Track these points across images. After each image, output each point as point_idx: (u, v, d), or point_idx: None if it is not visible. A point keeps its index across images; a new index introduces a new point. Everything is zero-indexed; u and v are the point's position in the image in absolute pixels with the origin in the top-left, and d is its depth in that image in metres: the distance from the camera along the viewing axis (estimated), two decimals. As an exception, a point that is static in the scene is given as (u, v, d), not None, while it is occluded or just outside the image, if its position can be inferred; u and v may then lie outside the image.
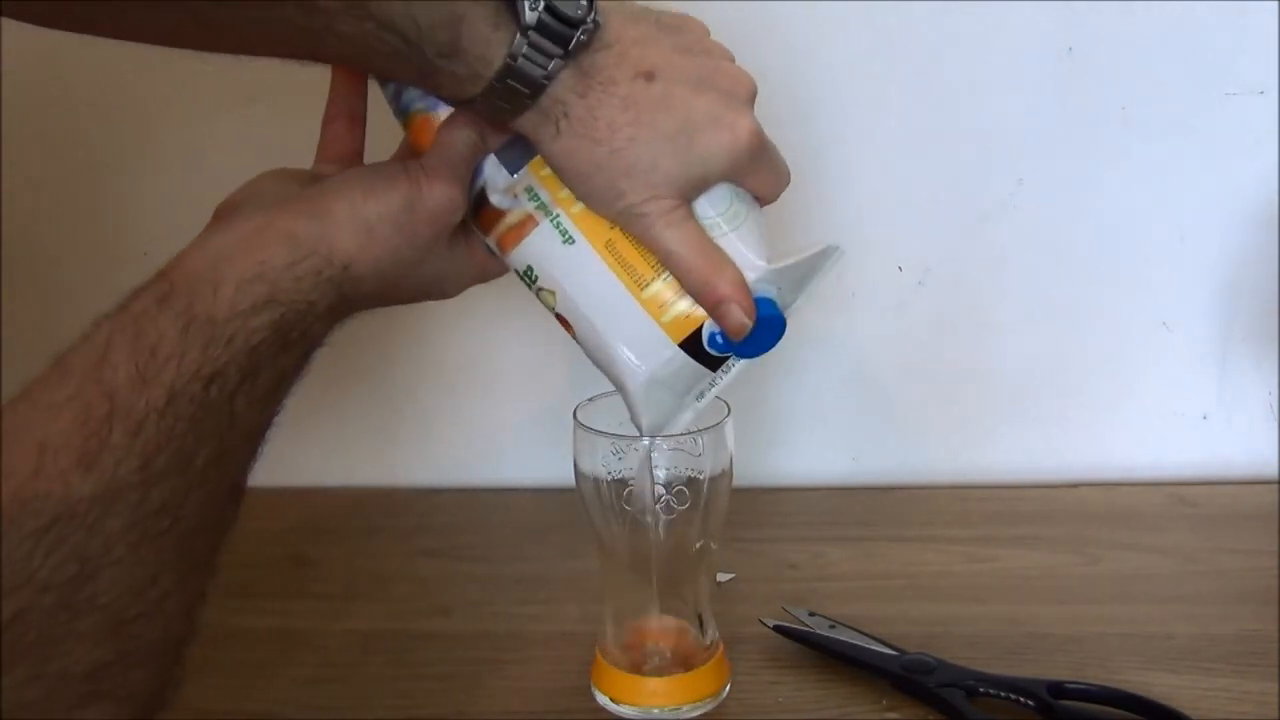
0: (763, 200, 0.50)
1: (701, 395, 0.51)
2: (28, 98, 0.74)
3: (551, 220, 0.48)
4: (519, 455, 0.83)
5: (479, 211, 0.49)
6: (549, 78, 0.42)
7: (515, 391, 0.82)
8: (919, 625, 0.60)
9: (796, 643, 0.57)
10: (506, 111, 0.43)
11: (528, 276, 0.49)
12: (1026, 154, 0.75)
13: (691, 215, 0.46)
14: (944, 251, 0.77)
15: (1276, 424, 0.79)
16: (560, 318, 0.49)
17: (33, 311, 0.79)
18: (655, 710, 0.53)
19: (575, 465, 0.53)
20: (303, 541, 0.74)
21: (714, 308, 0.46)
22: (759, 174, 0.48)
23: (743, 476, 0.54)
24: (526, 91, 0.42)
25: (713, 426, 0.52)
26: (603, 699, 0.55)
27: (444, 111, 0.48)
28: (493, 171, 0.49)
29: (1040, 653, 0.58)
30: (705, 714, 0.54)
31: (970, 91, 0.74)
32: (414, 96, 0.49)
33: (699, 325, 0.47)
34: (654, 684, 0.53)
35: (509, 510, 0.80)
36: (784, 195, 0.76)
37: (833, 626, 0.58)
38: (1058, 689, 0.52)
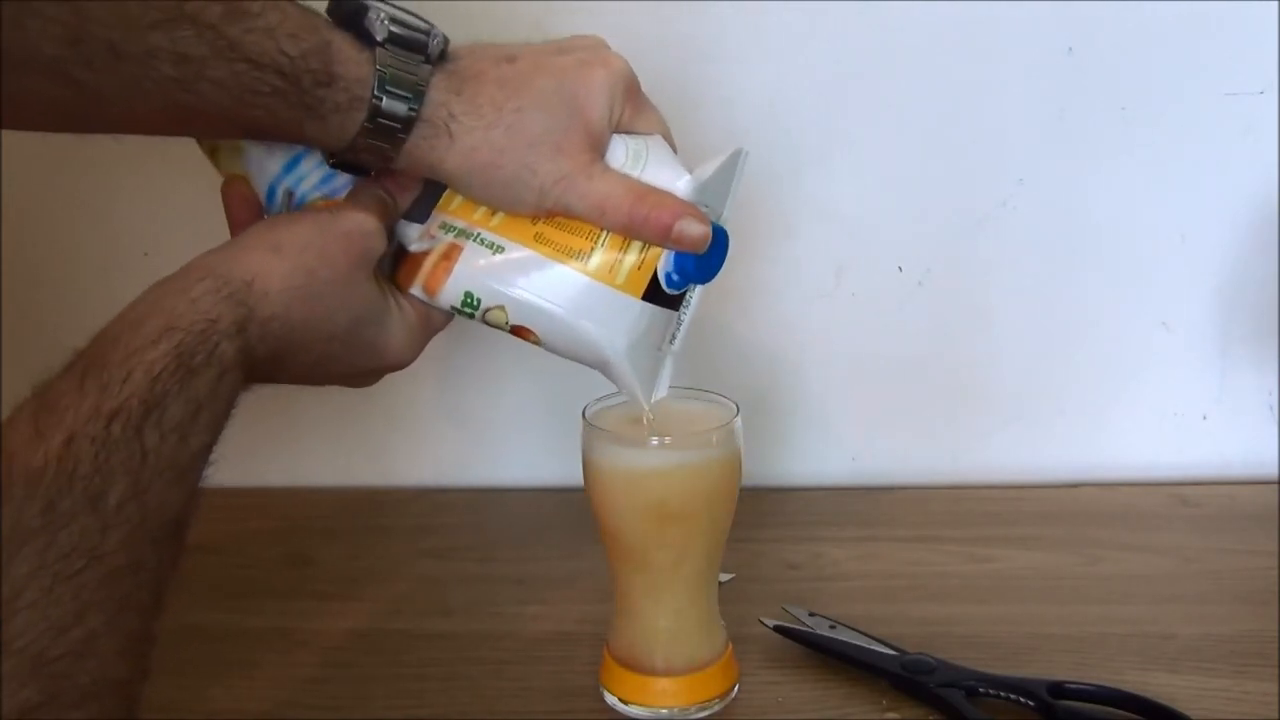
0: None
1: (673, 339, 0.52)
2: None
3: (474, 240, 0.49)
4: (519, 455, 0.83)
5: (402, 266, 0.50)
6: (423, 83, 0.45)
7: (515, 391, 0.82)
8: (919, 625, 0.60)
9: (796, 643, 0.57)
10: (397, 132, 0.45)
11: (469, 304, 0.49)
12: (1026, 154, 0.75)
13: (608, 166, 0.48)
14: (944, 252, 0.77)
15: (1276, 424, 0.79)
16: (517, 329, 0.49)
17: (33, 312, 0.79)
18: (664, 710, 0.53)
19: (585, 464, 0.53)
20: (303, 541, 0.74)
21: (667, 234, 0.47)
22: (643, 107, 0.50)
23: (743, 476, 0.54)
24: (409, 96, 0.44)
25: (723, 425, 0.52)
26: (611, 699, 0.55)
27: (345, 193, 0.49)
28: (403, 229, 0.50)
29: (1040, 653, 0.58)
30: (710, 714, 0.54)
31: (970, 91, 0.74)
32: (309, 189, 0.50)
33: (652, 272, 0.48)
34: (663, 684, 0.53)
35: (509, 510, 0.80)
36: (786, 194, 0.77)
37: (833, 626, 0.58)
38: (1058, 689, 0.52)
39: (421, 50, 0.45)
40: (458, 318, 0.51)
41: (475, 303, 0.49)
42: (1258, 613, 0.60)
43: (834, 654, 0.56)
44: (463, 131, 0.46)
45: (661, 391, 0.52)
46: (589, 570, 0.67)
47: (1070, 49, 0.73)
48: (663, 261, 0.48)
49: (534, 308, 0.48)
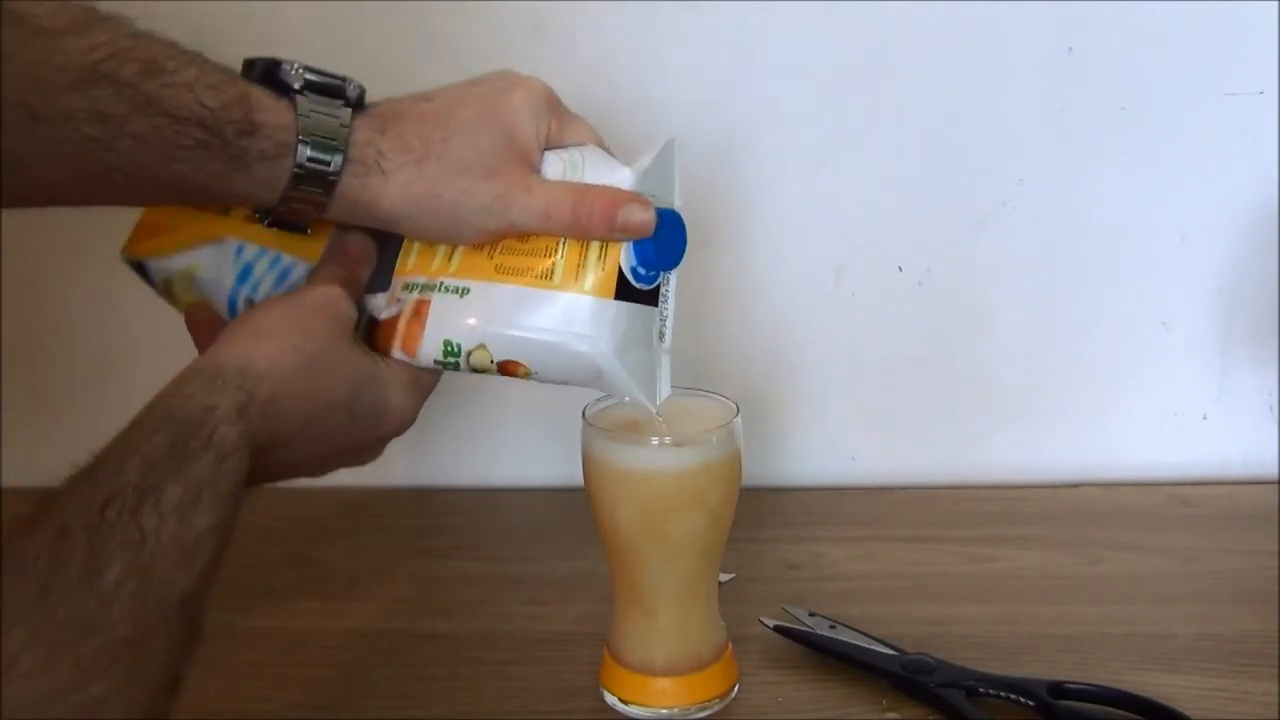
0: None
1: (662, 335, 0.51)
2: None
3: (439, 290, 0.49)
4: (519, 455, 0.83)
5: (378, 336, 0.50)
6: (345, 124, 0.45)
7: (515, 391, 0.82)
8: (919, 625, 0.60)
9: (796, 643, 0.57)
10: (327, 175, 0.45)
11: (451, 353, 0.49)
12: (1026, 154, 0.75)
13: (544, 177, 0.48)
14: (944, 252, 0.78)
15: (1276, 424, 0.79)
16: (503, 365, 0.49)
17: (33, 313, 0.79)
18: (664, 710, 0.53)
19: (585, 464, 0.53)
20: (303, 541, 0.74)
21: (613, 224, 0.47)
22: (569, 119, 0.50)
23: (743, 476, 0.54)
24: (332, 137, 0.45)
25: (723, 425, 0.52)
26: (612, 699, 0.55)
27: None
28: (370, 303, 0.51)
29: (1040, 653, 0.58)
30: (710, 714, 0.54)
31: (970, 91, 0.74)
32: (266, 292, 0.51)
33: (617, 271, 0.48)
34: (663, 684, 0.53)
35: (509, 510, 0.80)
36: (784, 194, 0.77)
37: (833, 626, 0.58)
38: (1058, 689, 0.52)
39: (339, 95, 0.46)
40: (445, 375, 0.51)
41: (456, 349, 0.49)
42: (1258, 613, 0.60)
43: (834, 654, 0.56)
44: (395, 168, 0.46)
45: (664, 391, 0.52)
46: (589, 570, 0.67)
47: (1070, 49, 0.73)
48: (624, 257, 0.48)
49: (514, 338, 0.48)
